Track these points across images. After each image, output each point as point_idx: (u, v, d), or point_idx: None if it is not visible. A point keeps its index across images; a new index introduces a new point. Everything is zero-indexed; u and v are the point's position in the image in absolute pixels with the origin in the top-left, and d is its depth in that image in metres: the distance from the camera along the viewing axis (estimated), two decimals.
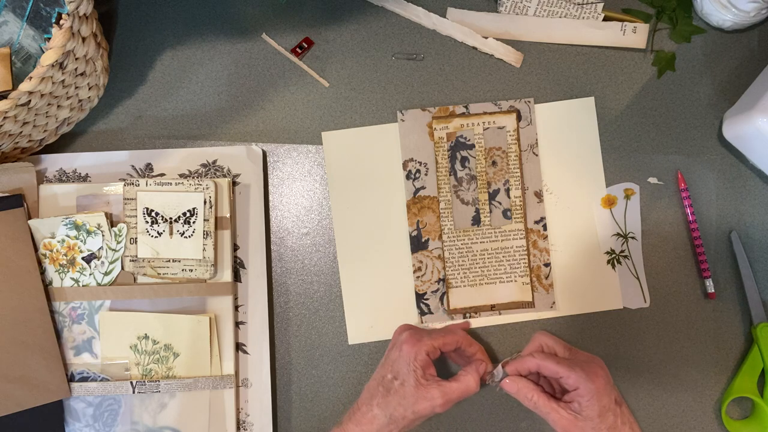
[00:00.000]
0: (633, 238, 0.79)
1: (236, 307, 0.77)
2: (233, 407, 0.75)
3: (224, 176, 0.78)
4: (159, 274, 0.75)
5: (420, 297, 0.79)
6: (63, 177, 0.78)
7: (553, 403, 0.66)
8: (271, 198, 0.80)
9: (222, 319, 0.76)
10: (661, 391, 0.78)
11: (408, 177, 0.79)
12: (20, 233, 0.74)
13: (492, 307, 0.78)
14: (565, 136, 0.80)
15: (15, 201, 0.74)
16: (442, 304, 0.79)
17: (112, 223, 0.76)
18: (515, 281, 0.78)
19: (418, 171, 0.79)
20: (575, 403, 0.65)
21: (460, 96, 0.80)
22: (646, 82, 0.80)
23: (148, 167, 0.79)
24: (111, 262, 0.75)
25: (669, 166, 0.80)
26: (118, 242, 0.75)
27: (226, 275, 0.76)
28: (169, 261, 0.75)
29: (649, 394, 0.78)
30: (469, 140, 0.79)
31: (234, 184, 0.78)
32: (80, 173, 0.78)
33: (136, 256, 0.75)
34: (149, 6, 0.81)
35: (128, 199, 0.75)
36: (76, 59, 0.69)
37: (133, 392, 0.74)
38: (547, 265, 0.79)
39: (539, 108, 0.80)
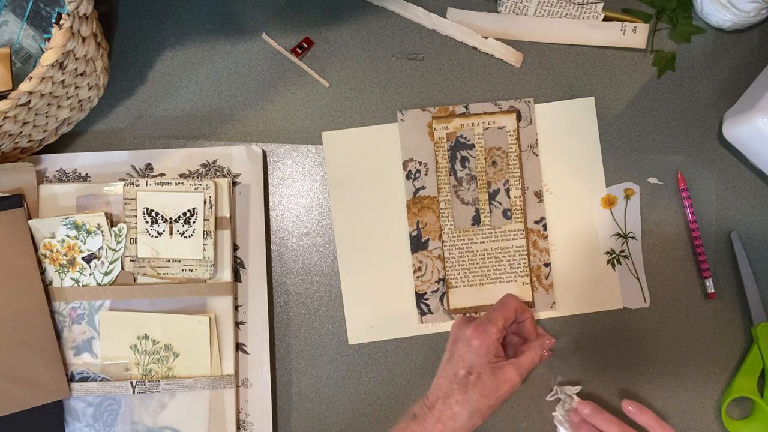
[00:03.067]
0: (633, 238, 0.79)
1: (236, 307, 0.77)
2: (233, 407, 0.75)
3: (224, 176, 0.78)
4: (159, 274, 0.75)
5: (420, 297, 0.79)
6: (63, 177, 0.78)
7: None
8: (271, 198, 0.80)
9: (222, 319, 0.76)
10: (662, 391, 0.78)
11: (408, 177, 0.79)
12: (20, 233, 0.74)
13: None
14: (565, 136, 0.80)
15: (15, 201, 0.74)
16: (442, 304, 0.79)
17: (112, 223, 0.76)
18: (515, 281, 0.78)
19: (418, 171, 0.79)
20: None
21: (460, 96, 0.80)
22: (646, 82, 0.80)
23: (148, 167, 0.79)
24: (111, 262, 0.75)
25: (669, 166, 0.80)
26: (118, 242, 0.75)
27: (226, 275, 0.76)
28: (169, 261, 0.75)
29: (650, 395, 0.78)
30: (469, 140, 0.79)
31: (234, 184, 0.78)
32: (80, 173, 0.78)
33: (136, 256, 0.75)
34: (149, 6, 0.81)
35: (128, 199, 0.75)
36: (76, 59, 0.69)
37: (133, 392, 0.74)
38: (547, 265, 0.79)
39: (539, 108, 0.80)
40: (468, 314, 0.78)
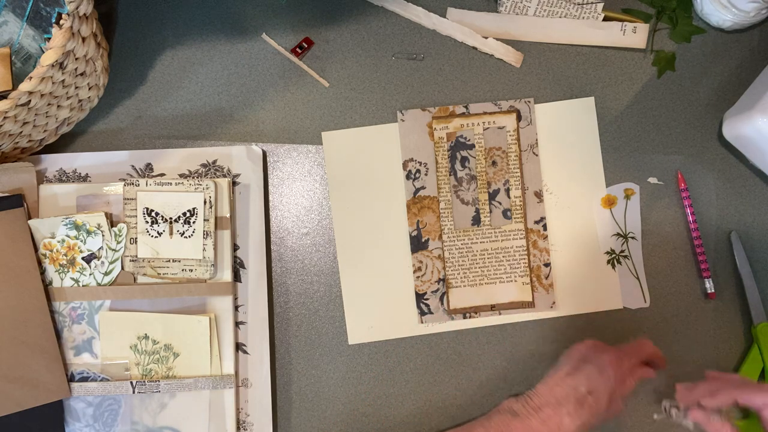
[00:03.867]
0: (633, 238, 0.79)
1: (236, 307, 0.77)
2: (233, 407, 0.75)
3: (224, 176, 0.78)
4: (159, 274, 0.75)
5: (420, 297, 0.79)
6: (63, 177, 0.78)
7: None
8: (271, 198, 0.80)
9: (222, 319, 0.76)
10: (662, 391, 0.78)
11: (408, 177, 0.79)
12: (20, 233, 0.74)
13: (492, 307, 0.78)
14: (565, 136, 0.80)
15: (15, 201, 0.74)
16: (442, 304, 0.79)
17: (112, 223, 0.76)
18: (515, 281, 0.78)
19: (418, 171, 0.79)
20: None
21: (460, 96, 0.80)
22: (646, 82, 0.80)
23: (148, 167, 0.79)
24: (111, 262, 0.75)
25: (669, 166, 0.80)
26: (118, 242, 0.75)
27: (226, 275, 0.76)
28: (169, 261, 0.75)
29: (650, 394, 0.78)
30: (469, 140, 0.79)
31: (234, 184, 0.78)
32: (80, 173, 0.78)
33: (136, 256, 0.75)
34: (149, 6, 0.81)
35: (128, 199, 0.75)
36: (76, 59, 0.69)
37: (133, 392, 0.74)
38: (547, 265, 0.79)
39: (539, 108, 0.80)
40: (468, 314, 0.78)
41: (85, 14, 0.68)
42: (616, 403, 0.69)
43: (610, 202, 0.79)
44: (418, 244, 0.79)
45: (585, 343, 0.72)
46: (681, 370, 0.78)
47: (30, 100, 0.66)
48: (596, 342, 0.72)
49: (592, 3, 0.80)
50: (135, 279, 0.76)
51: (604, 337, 0.78)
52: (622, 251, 0.79)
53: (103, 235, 0.75)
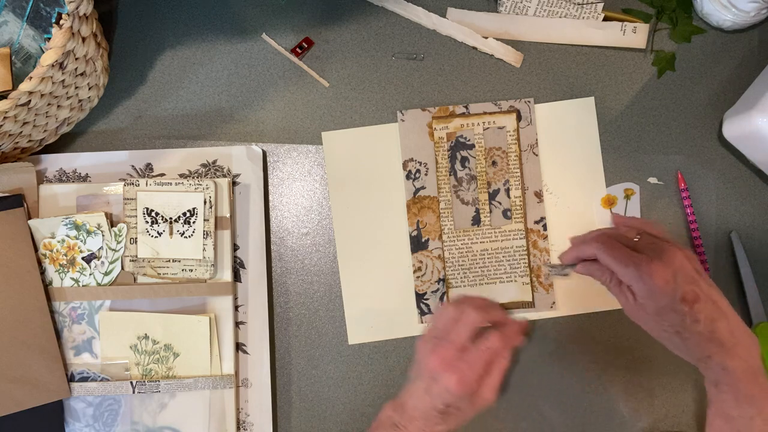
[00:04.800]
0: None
1: (236, 307, 0.77)
2: (233, 407, 0.75)
3: (224, 176, 0.78)
4: (159, 274, 0.75)
5: (420, 297, 0.79)
6: (63, 177, 0.78)
7: (622, 286, 0.63)
8: (271, 198, 0.80)
9: (222, 319, 0.76)
10: (662, 391, 0.78)
11: (408, 177, 0.79)
12: (20, 233, 0.74)
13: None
14: (565, 136, 0.80)
15: (15, 201, 0.74)
16: (442, 304, 0.79)
17: (112, 223, 0.76)
18: (515, 281, 0.78)
19: (418, 171, 0.79)
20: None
21: (460, 96, 0.80)
22: (646, 82, 0.80)
23: (148, 167, 0.79)
24: (111, 262, 0.75)
25: (669, 166, 0.80)
26: (118, 242, 0.75)
27: (226, 275, 0.76)
28: (169, 261, 0.75)
29: (650, 394, 0.78)
30: (469, 140, 0.79)
31: (234, 184, 0.78)
32: (80, 173, 0.78)
33: (136, 256, 0.75)
34: (149, 6, 0.81)
35: (128, 199, 0.75)
36: (76, 59, 0.69)
37: (133, 392, 0.74)
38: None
39: (539, 108, 0.80)
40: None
41: (85, 14, 0.68)
42: (481, 399, 0.66)
43: (610, 202, 0.79)
44: (418, 244, 0.79)
45: (431, 358, 0.67)
46: (681, 370, 0.78)
47: (30, 100, 0.66)
48: (438, 354, 0.67)
49: (592, 3, 0.80)
50: (135, 279, 0.76)
51: (604, 338, 0.78)
52: None
53: (103, 235, 0.75)
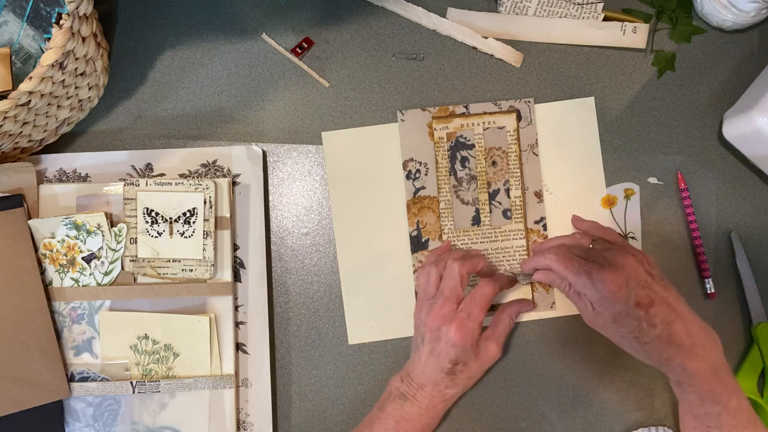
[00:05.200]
0: (633, 238, 0.79)
1: (236, 307, 0.77)
2: (233, 407, 0.75)
3: (224, 176, 0.78)
4: (159, 274, 0.75)
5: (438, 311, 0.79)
6: (63, 177, 0.78)
7: (581, 295, 0.65)
8: (271, 198, 0.80)
9: (222, 319, 0.76)
10: (662, 391, 0.78)
11: (408, 177, 0.79)
12: (20, 233, 0.74)
13: (492, 308, 0.78)
14: (565, 136, 0.80)
15: (15, 201, 0.74)
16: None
17: (112, 223, 0.76)
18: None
19: (418, 171, 0.79)
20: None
21: (460, 96, 0.80)
22: (646, 82, 0.80)
23: (148, 167, 0.79)
24: (111, 262, 0.75)
25: (669, 166, 0.80)
26: (118, 242, 0.75)
27: (226, 275, 0.76)
28: (169, 261, 0.75)
29: (650, 394, 0.78)
30: (469, 140, 0.79)
31: (234, 184, 0.78)
32: (80, 173, 0.78)
33: (136, 256, 0.75)
34: (149, 6, 0.81)
35: (128, 199, 0.75)
36: (76, 59, 0.69)
37: (133, 392, 0.74)
38: None
39: (539, 108, 0.80)
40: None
41: (85, 14, 0.68)
42: (486, 353, 0.72)
43: (610, 202, 0.79)
44: (418, 244, 0.79)
45: (431, 315, 0.70)
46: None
47: (30, 100, 0.66)
48: (439, 305, 0.70)
49: (592, 3, 0.80)
50: (135, 279, 0.76)
51: (604, 338, 0.78)
52: None
53: (103, 235, 0.75)
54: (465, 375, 0.72)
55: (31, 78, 0.64)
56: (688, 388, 0.61)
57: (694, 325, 0.62)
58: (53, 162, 0.78)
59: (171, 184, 0.76)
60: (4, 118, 0.66)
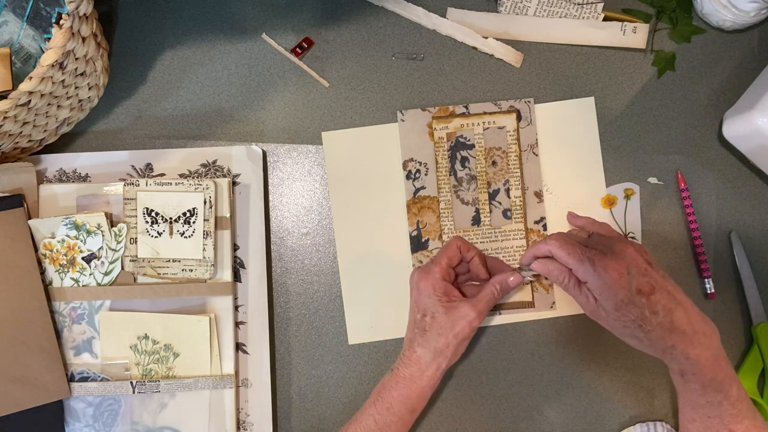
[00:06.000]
0: (633, 238, 0.79)
1: (236, 307, 0.77)
2: (233, 407, 0.75)
3: (224, 176, 0.78)
4: (159, 274, 0.75)
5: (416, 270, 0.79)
6: (63, 177, 0.78)
7: (582, 287, 0.65)
8: (271, 198, 0.80)
9: (222, 319, 0.76)
10: (662, 391, 0.78)
11: (408, 177, 0.79)
12: (20, 233, 0.74)
13: (495, 308, 0.78)
14: (565, 136, 0.80)
15: (15, 201, 0.74)
16: None
17: (112, 223, 0.76)
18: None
19: (418, 171, 0.79)
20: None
21: (460, 96, 0.80)
22: (646, 82, 0.80)
23: (148, 167, 0.79)
24: (111, 262, 0.75)
25: (669, 166, 0.80)
26: (118, 242, 0.75)
27: (226, 275, 0.76)
28: (169, 261, 0.75)
29: (650, 394, 0.78)
30: (469, 140, 0.79)
31: (234, 184, 0.78)
32: (80, 173, 0.78)
33: (136, 256, 0.75)
34: (149, 6, 0.81)
35: (128, 199, 0.75)
36: (76, 59, 0.69)
37: (133, 392, 0.74)
38: None
39: (539, 108, 0.80)
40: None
41: (85, 14, 0.68)
42: (458, 311, 0.70)
43: (610, 202, 0.79)
44: (418, 244, 0.79)
45: (411, 274, 0.74)
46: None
47: (30, 100, 0.66)
48: (416, 268, 0.75)
49: (592, 3, 0.80)
50: (135, 279, 0.76)
51: (604, 338, 0.78)
52: None
53: (103, 235, 0.75)
54: (435, 330, 0.70)
55: (31, 78, 0.64)
56: (691, 377, 0.61)
57: (694, 313, 0.62)
58: (53, 162, 0.78)
59: (171, 184, 0.76)
60: (4, 118, 0.66)
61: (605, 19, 0.80)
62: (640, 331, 0.62)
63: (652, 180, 0.80)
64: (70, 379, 0.75)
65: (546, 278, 0.77)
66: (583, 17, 0.80)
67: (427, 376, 0.71)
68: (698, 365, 0.60)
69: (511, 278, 0.73)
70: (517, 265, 0.77)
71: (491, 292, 0.73)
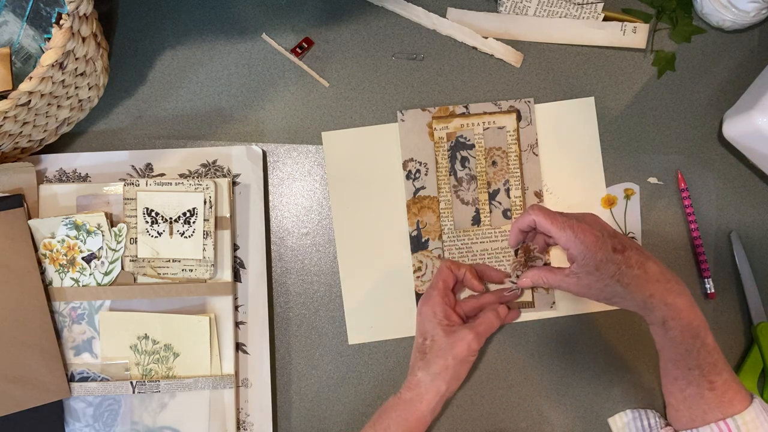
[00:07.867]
0: (633, 238, 0.79)
1: (236, 307, 0.77)
2: (233, 407, 0.75)
3: (224, 176, 0.78)
4: (159, 274, 0.75)
5: (420, 297, 0.79)
6: (63, 177, 0.78)
7: (559, 274, 0.69)
8: (271, 198, 0.80)
9: (222, 319, 0.76)
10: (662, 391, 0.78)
11: (408, 177, 0.79)
12: (20, 233, 0.74)
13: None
14: (565, 136, 0.80)
15: (15, 201, 0.74)
16: None
17: (112, 223, 0.76)
18: (515, 281, 0.78)
19: (418, 171, 0.79)
20: (574, 265, 0.67)
21: (460, 96, 0.80)
22: (646, 82, 0.80)
23: (148, 167, 0.79)
24: (111, 262, 0.75)
25: (669, 166, 0.80)
26: (118, 242, 0.75)
27: (226, 275, 0.76)
28: (169, 261, 0.75)
29: (650, 394, 0.78)
30: (469, 140, 0.79)
31: (234, 184, 0.78)
32: (80, 173, 0.78)
33: (136, 256, 0.75)
34: (149, 6, 0.81)
35: (128, 199, 0.75)
36: (76, 59, 0.69)
37: (133, 392, 0.74)
38: (547, 265, 0.79)
39: (539, 108, 0.80)
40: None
41: (85, 14, 0.68)
42: (457, 334, 0.72)
43: (610, 202, 0.79)
44: (418, 244, 0.79)
45: (418, 305, 0.77)
46: None
47: (30, 100, 0.66)
48: (422, 297, 0.76)
49: (592, 3, 0.80)
50: (135, 279, 0.76)
51: (604, 338, 0.78)
52: None
53: (103, 235, 0.75)
54: (434, 353, 0.72)
55: (31, 78, 0.64)
56: (671, 322, 0.64)
57: (663, 265, 0.67)
58: (53, 162, 0.78)
59: (171, 184, 0.76)
60: (4, 118, 0.66)
61: (605, 19, 0.80)
62: (619, 286, 0.65)
63: (652, 180, 0.80)
64: (70, 379, 0.75)
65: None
66: (583, 17, 0.80)
67: (427, 400, 0.71)
68: (676, 309, 0.64)
69: (500, 308, 0.76)
70: (508, 247, 0.78)
71: (491, 320, 0.75)
